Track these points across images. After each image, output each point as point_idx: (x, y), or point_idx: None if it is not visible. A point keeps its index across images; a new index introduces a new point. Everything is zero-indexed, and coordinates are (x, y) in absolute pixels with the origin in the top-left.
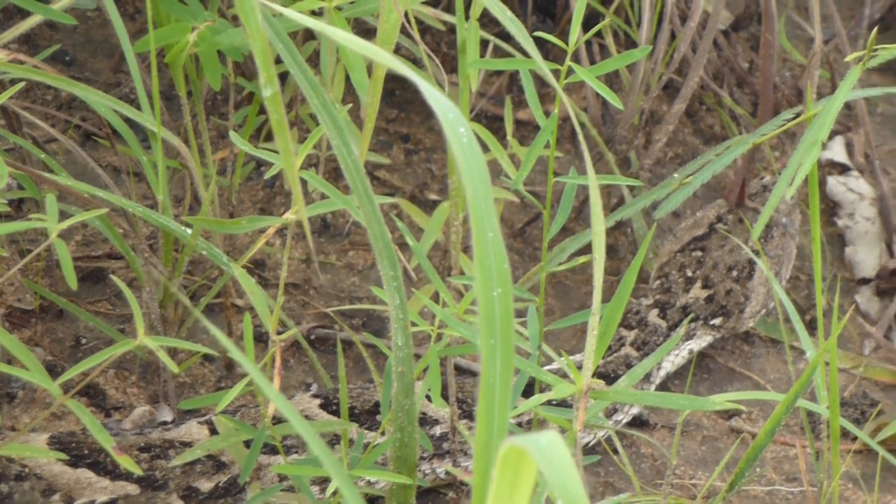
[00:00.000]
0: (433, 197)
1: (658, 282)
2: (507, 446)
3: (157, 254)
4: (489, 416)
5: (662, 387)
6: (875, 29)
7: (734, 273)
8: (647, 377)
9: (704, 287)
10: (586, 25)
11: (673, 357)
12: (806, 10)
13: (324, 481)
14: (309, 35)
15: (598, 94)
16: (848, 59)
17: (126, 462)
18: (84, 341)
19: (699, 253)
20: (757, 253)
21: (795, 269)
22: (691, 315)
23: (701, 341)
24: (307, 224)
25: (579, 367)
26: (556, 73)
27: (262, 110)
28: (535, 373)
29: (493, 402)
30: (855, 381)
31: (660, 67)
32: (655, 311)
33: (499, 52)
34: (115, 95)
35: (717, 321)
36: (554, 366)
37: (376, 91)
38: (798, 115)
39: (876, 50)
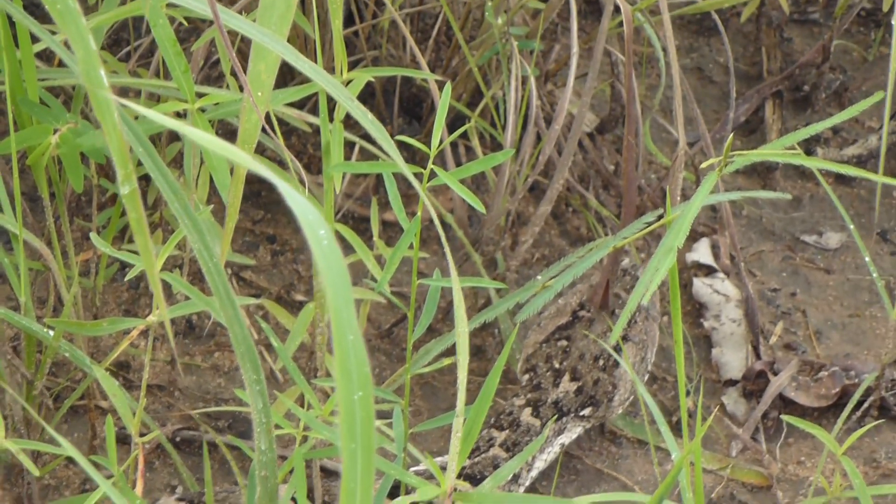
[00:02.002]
0: (300, 298)
1: (527, 376)
2: None
3: (20, 356)
4: None
5: (532, 489)
6: (731, 136)
7: (600, 362)
8: (516, 479)
9: (573, 379)
10: (452, 127)
11: (546, 455)
12: (671, 113)
13: None
14: (174, 136)
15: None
16: (704, 165)
17: None
18: None
19: (564, 342)
20: (620, 344)
21: (662, 371)
22: (554, 416)
23: (572, 433)
24: (169, 326)
25: (445, 469)
26: (420, 175)
27: (125, 211)
28: (399, 475)
29: None
30: (722, 483)
31: (525, 169)
32: (528, 410)
33: (365, 154)
34: None
35: (586, 412)
36: (421, 467)
37: (237, 191)
38: (661, 217)
39: (733, 156)
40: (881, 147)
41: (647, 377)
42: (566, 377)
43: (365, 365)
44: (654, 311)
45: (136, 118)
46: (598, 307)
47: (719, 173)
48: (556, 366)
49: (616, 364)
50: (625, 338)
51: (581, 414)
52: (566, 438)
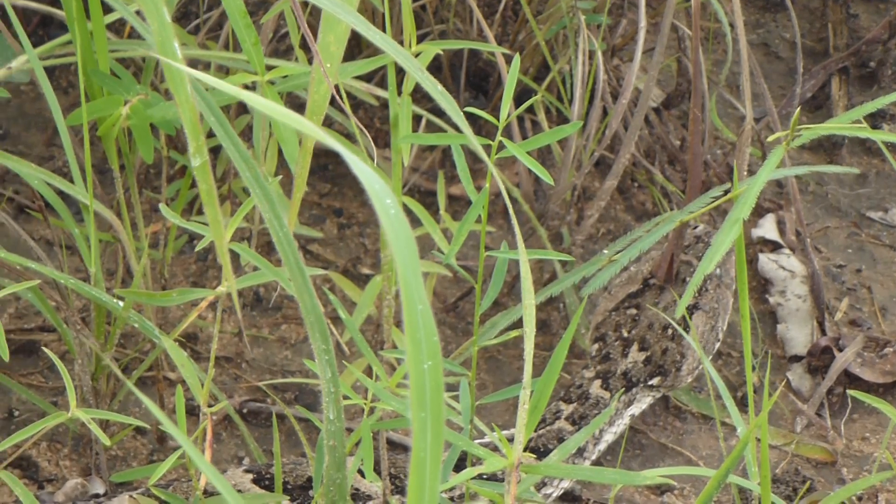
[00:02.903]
0: (366, 271)
1: (596, 346)
2: None
3: (89, 326)
4: (420, 489)
5: (597, 463)
6: (798, 110)
7: (669, 331)
8: (581, 452)
9: (641, 349)
10: (519, 102)
11: (615, 427)
12: (737, 89)
13: None
14: (242, 109)
15: (530, 170)
16: (771, 139)
17: None
18: (17, 413)
19: (634, 311)
20: (691, 310)
21: (727, 346)
22: (623, 388)
23: (641, 404)
24: (237, 297)
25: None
26: (488, 148)
27: (194, 183)
28: (467, 446)
29: (423, 476)
30: (787, 458)
31: (592, 144)
32: (598, 383)
33: (432, 128)
34: (49, 169)
35: (655, 381)
36: (486, 439)
37: (305, 162)
38: (727, 192)
39: (800, 130)
40: None
41: (717, 345)
42: (634, 347)
43: (434, 334)
44: (727, 279)
45: (207, 90)
46: (663, 279)
47: (786, 147)
48: (625, 335)
49: (684, 332)
50: (695, 306)
51: (650, 384)
52: (636, 409)
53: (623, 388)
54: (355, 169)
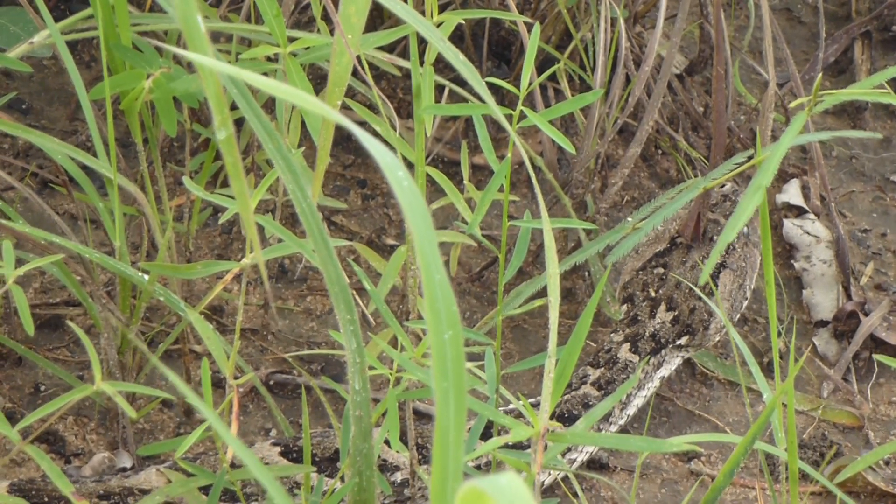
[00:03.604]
0: (391, 242)
1: (625, 307)
2: (465, 488)
3: (114, 300)
4: (444, 457)
5: (623, 430)
6: (820, 75)
7: (697, 289)
8: (607, 417)
9: (669, 309)
10: (541, 70)
11: (645, 391)
12: (760, 54)
13: None
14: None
15: (553, 139)
16: (794, 104)
17: None
18: (43, 388)
19: (661, 270)
20: (718, 268)
21: (753, 312)
22: (647, 357)
23: (671, 365)
24: (264, 269)
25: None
26: (510, 117)
27: (218, 156)
28: (493, 415)
29: (447, 444)
30: (813, 424)
31: (615, 111)
32: (626, 346)
33: (454, 98)
34: (72, 143)
35: (683, 340)
36: (511, 407)
37: (328, 134)
38: (751, 158)
39: (822, 95)
40: None
41: (745, 303)
42: (662, 307)
43: (452, 304)
44: (754, 237)
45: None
46: (691, 238)
47: (809, 112)
48: (653, 294)
49: (712, 291)
50: (723, 265)
51: (678, 343)
52: (665, 371)
53: (651, 352)
54: (365, 143)
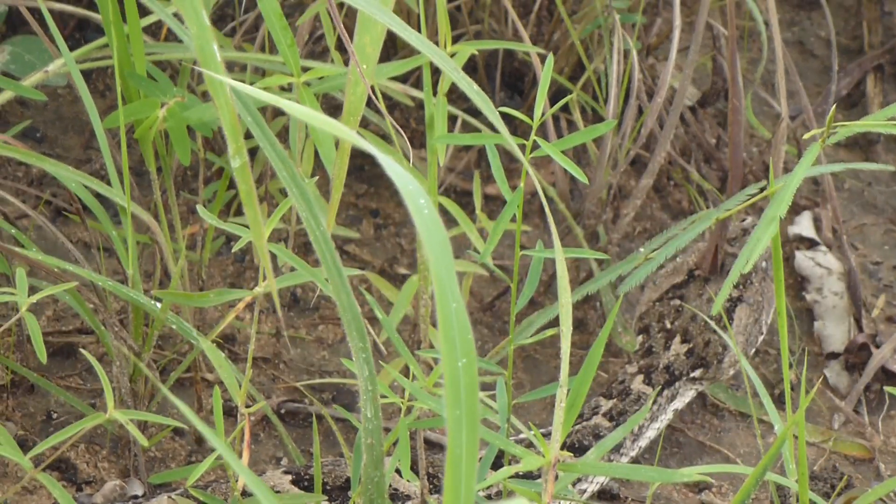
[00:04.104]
0: (403, 271)
1: (640, 338)
2: None
3: (126, 328)
4: (456, 487)
5: (635, 461)
6: (834, 107)
7: (712, 323)
8: (618, 448)
9: (684, 341)
10: (553, 101)
11: (658, 423)
12: (772, 87)
13: None
14: (278, 110)
15: (565, 169)
16: (807, 136)
17: None
18: (55, 416)
19: (677, 302)
20: (735, 302)
21: (764, 344)
22: (659, 388)
23: (684, 398)
24: (277, 296)
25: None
26: (523, 147)
27: (231, 185)
28: (504, 445)
29: (459, 472)
30: (824, 455)
31: (627, 142)
32: (640, 378)
33: (467, 128)
34: (86, 171)
35: (697, 373)
36: (522, 437)
37: (342, 164)
38: (764, 190)
39: (836, 127)
40: None
41: (762, 338)
42: (677, 339)
43: (468, 332)
44: (772, 271)
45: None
46: (709, 270)
47: (822, 144)
48: (668, 326)
49: (726, 325)
50: (739, 299)
51: (692, 376)
52: (679, 404)
53: (665, 384)
54: (389, 170)
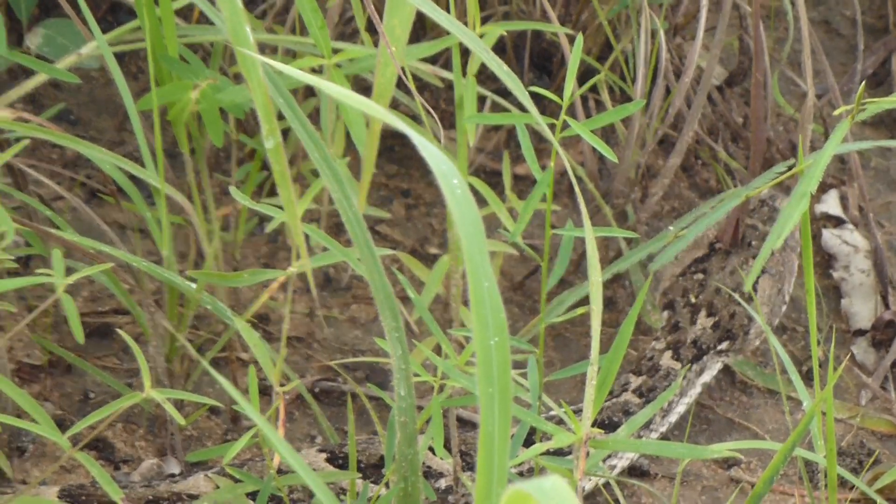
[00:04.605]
0: (434, 251)
1: (666, 313)
2: (510, 492)
3: (162, 309)
4: (489, 463)
5: (664, 438)
6: (863, 84)
7: (736, 295)
8: (648, 425)
9: (709, 315)
10: (581, 82)
11: (688, 398)
12: (799, 66)
13: None
14: (309, 92)
15: (594, 149)
16: (837, 112)
17: None
18: (92, 395)
19: (701, 275)
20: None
21: (792, 321)
22: (691, 364)
23: (712, 371)
24: (311, 274)
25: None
26: (552, 127)
27: (264, 166)
28: (535, 422)
29: (492, 449)
30: (852, 431)
31: (655, 122)
32: (669, 354)
33: (496, 108)
34: (120, 153)
35: (723, 346)
36: (552, 414)
37: (373, 143)
38: (791, 168)
39: (865, 104)
40: None
41: (784, 308)
42: (703, 313)
43: (500, 310)
44: (791, 241)
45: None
46: (729, 243)
47: (851, 120)
48: (693, 300)
49: (751, 297)
50: (762, 270)
51: (719, 349)
52: (707, 377)
53: (693, 358)
54: (422, 150)
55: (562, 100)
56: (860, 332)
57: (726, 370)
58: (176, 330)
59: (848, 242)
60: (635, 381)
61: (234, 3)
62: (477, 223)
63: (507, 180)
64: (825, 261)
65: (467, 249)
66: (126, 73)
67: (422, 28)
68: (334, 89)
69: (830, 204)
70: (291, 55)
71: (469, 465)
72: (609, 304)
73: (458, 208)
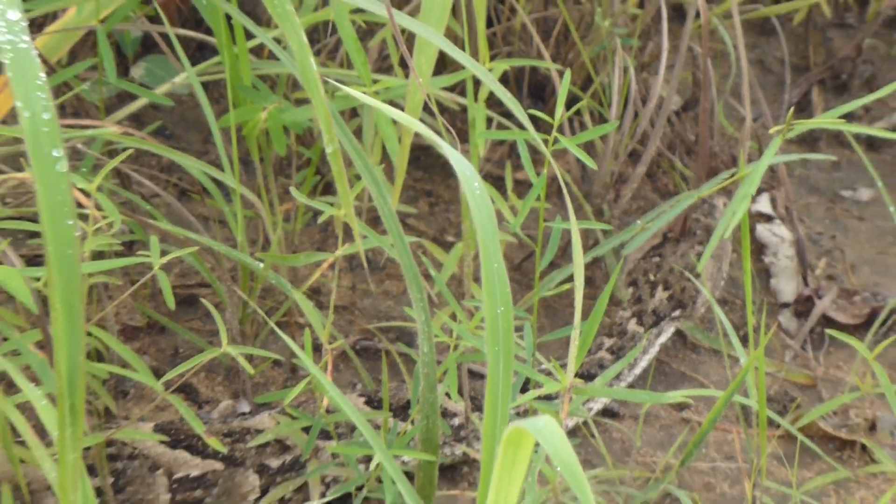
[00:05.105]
0: (450, 239)
1: (630, 289)
2: (510, 429)
3: (236, 283)
4: (494, 406)
5: (631, 385)
6: (790, 110)
7: (687, 273)
8: (618, 376)
9: (665, 289)
10: (569, 107)
11: (649, 355)
12: (739, 96)
13: (367, 460)
14: (353, 114)
15: (578, 159)
16: (772, 131)
17: (214, 443)
18: (181, 350)
19: (657, 259)
20: (700, 255)
21: (731, 296)
22: (653, 324)
23: (667, 333)
24: (363, 253)
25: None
26: (545, 142)
27: (317, 171)
28: (530, 374)
29: (497, 394)
30: (778, 382)
31: (626, 139)
32: (634, 320)
33: (500, 127)
34: (204, 161)
35: (677, 313)
36: (543, 367)
37: (404, 154)
38: (733, 176)
39: (792, 125)
40: None
41: (723, 282)
42: (660, 288)
43: (506, 286)
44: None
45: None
46: (679, 233)
47: (781, 139)
48: (652, 278)
49: (698, 274)
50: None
51: (673, 316)
52: (663, 338)
53: (652, 324)
54: (451, 158)
55: (553, 120)
56: (785, 305)
57: (679, 333)
58: (247, 299)
59: (776, 234)
60: (608, 342)
61: (301, 39)
62: (491, 217)
63: (509, 184)
64: (758, 248)
65: (482, 236)
66: (210, 98)
67: (442, 63)
68: (387, 108)
69: (763, 204)
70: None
71: (477, 407)
72: (588, 281)
73: (476, 204)
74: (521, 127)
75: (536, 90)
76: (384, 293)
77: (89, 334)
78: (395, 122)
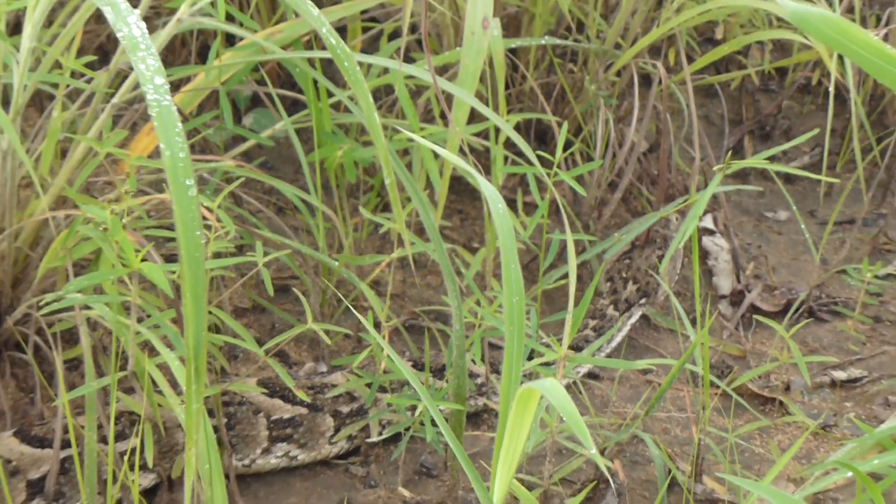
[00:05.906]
0: (476, 245)
1: (609, 284)
2: (523, 388)
3: (318, 276)
4: (510, 370)
5: (609, 355)
6: (728, 153)
7: (650, 271)
8: (600, 349)
9: (634, 283)
10: (565, 149)
11: (622, 333)
12: (690, 142)
13: (412, 408)
14: (405, 153)
15: (571, 187)
16: (715, 168)
17: (301, 394)
18: (277, 325)
19: (628, 261)
20: (661, 257)
21: (684, 289)
22: (625, 309)
23: (636, 316)
24: (411, 255)
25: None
26: (548, 175)
27: (378, 195)
28: (534, 346)
29: (511, 361)
30: (717, 354)
31: (606, 172)
32: (611, 307)
33: (514, 163)
34: (296, 186)
35: (643, 301)
36: (545, 341)
37: (444, 182)
38: (686, 201)
39: (730, 164)
40: (818, 159)
41: (677, 277)
42: (630, 282)
43: (520, 282)
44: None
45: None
46: (644, 242)
47: (723, 174)
48: (624, 275)
49: (659, 272)
50: (663, 255)
51: (640, 303)
52: (633, 320)
53: (625, 310)
54: (481, 185)
55: (553, 159)
56: (723, 297)
57: (644, 317)
58: (326, 288)
59: (717, 244)
60: (592, 323)
61: (368, 99)
62: (509, 228)
63: (520, 205)
64: (704, 255)
65: (503, 243)
66: (300, 140)
67: (472, 115)
68: (432, 146)
69: (708, 222)
70: (395, 131)
71: (494, 370)
72: (578, 279)
73: (499, 219)
74: (530, 163)
75: (540, 136)
76: (427, 285)
77: (210, 313)
78: (437, 158)
